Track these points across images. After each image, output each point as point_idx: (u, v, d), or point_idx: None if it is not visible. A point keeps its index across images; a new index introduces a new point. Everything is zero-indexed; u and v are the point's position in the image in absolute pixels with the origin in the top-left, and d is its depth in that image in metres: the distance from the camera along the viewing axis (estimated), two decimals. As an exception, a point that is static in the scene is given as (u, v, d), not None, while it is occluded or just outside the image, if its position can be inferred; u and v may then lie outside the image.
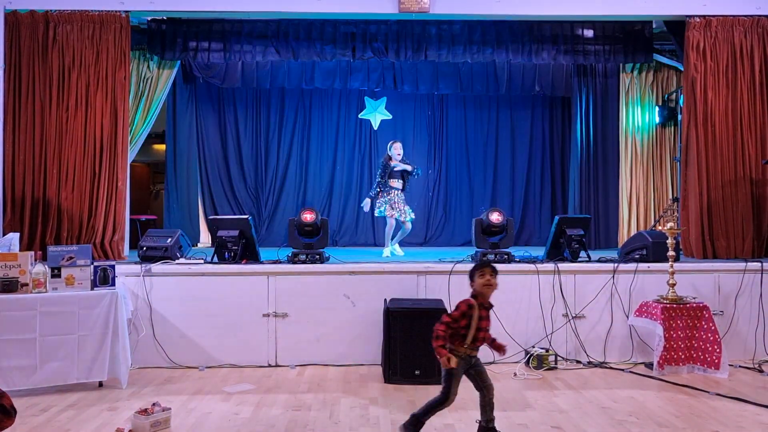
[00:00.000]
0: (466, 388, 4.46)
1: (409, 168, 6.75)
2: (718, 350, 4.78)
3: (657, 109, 7.45)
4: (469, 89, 8.32)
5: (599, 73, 7.82)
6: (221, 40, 6.60)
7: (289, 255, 5.40)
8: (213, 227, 5.63)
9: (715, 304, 5.27)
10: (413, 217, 6.88)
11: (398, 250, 6.85)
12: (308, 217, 5.49)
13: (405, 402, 4.16)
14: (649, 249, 5.43)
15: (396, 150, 6.72)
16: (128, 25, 5.97)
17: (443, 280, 5.20)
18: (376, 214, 6.94)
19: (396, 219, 6.71)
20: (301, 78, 8.06)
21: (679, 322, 4.86)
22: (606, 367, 5.10)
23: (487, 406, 3.41)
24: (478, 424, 3.45)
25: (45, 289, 4.40)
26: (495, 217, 5.51)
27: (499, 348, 3.50)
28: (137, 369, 4.93)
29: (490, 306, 3.43)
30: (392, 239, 6.84)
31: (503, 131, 8.82)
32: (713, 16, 6.04)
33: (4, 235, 5.44)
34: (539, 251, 5.97)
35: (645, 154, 7.48)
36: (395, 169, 6.70)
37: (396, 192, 6.71)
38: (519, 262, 5.43)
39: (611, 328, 5.26)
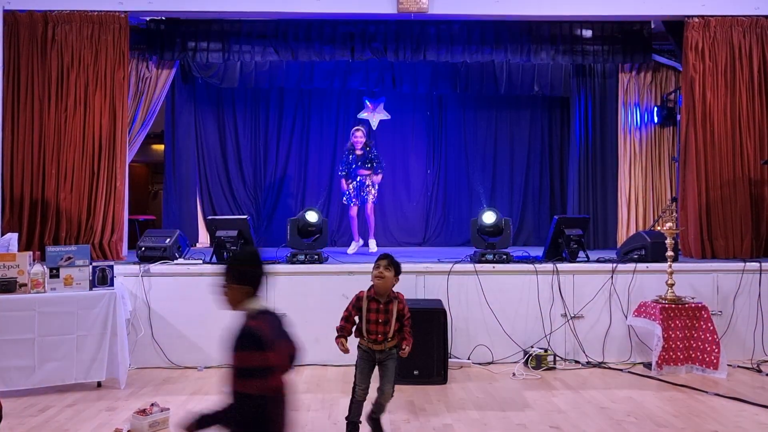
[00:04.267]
0: (464, 389, 4.49)
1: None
2: (716, 350, 4.78)
3: (656, 109, 7.44)
4: (467, 89, 8.30)
5: (598, 74, 7.82)
6: (220, 40, 6.60)
7: (288, 255, 5.40)
8: (212, 227, 5.62)
9: (714, 304, 5.27)
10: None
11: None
12: (312, 217, 5.53)
13: (404, 402, 4.16)
14: (647, 249, 5.43)
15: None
16: (127, 26, 5.96)
17: (442, 280, 5.20)
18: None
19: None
20: (300, 78, 8.04)
21: (677, 322, 4.86)
22: (604, 367, 5.11)
23: (377, 406, 3.46)
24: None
25: (43, 289, 4.39)
26: (487, 217, 5.53)
27: (402, 351, 3.44)
28: (136, 369, 4.93)
29: (389, 300, 3.41)
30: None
31: (502, 131, 8.79)
32: (712, 16, 6.04)
33: (2, 235, 5.43)
34: (538, 251, 5.97)
35: (644, 154, 7.47)
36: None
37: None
38: (518, 262, 5.43)
39: (610, 328, 5.27)
